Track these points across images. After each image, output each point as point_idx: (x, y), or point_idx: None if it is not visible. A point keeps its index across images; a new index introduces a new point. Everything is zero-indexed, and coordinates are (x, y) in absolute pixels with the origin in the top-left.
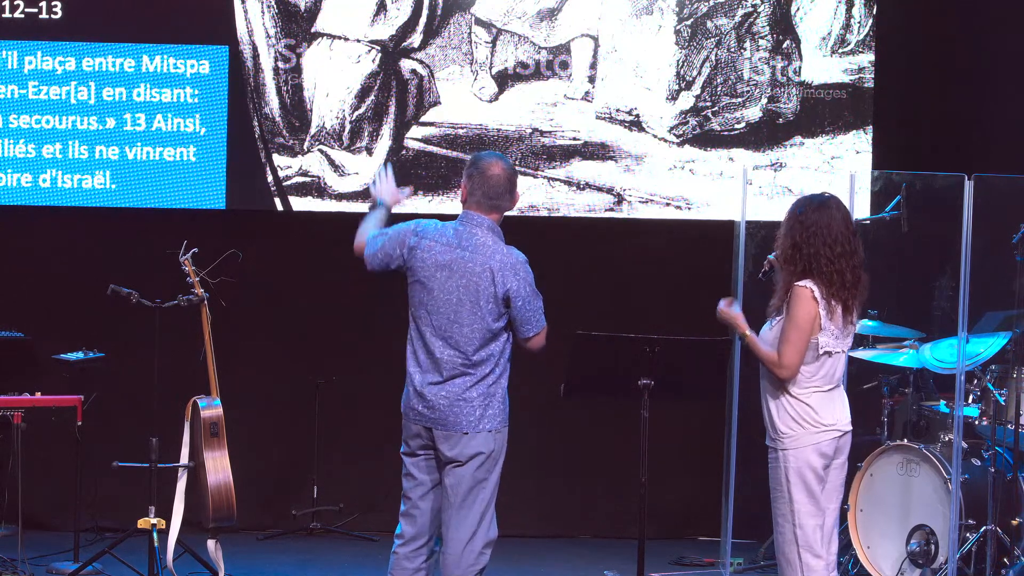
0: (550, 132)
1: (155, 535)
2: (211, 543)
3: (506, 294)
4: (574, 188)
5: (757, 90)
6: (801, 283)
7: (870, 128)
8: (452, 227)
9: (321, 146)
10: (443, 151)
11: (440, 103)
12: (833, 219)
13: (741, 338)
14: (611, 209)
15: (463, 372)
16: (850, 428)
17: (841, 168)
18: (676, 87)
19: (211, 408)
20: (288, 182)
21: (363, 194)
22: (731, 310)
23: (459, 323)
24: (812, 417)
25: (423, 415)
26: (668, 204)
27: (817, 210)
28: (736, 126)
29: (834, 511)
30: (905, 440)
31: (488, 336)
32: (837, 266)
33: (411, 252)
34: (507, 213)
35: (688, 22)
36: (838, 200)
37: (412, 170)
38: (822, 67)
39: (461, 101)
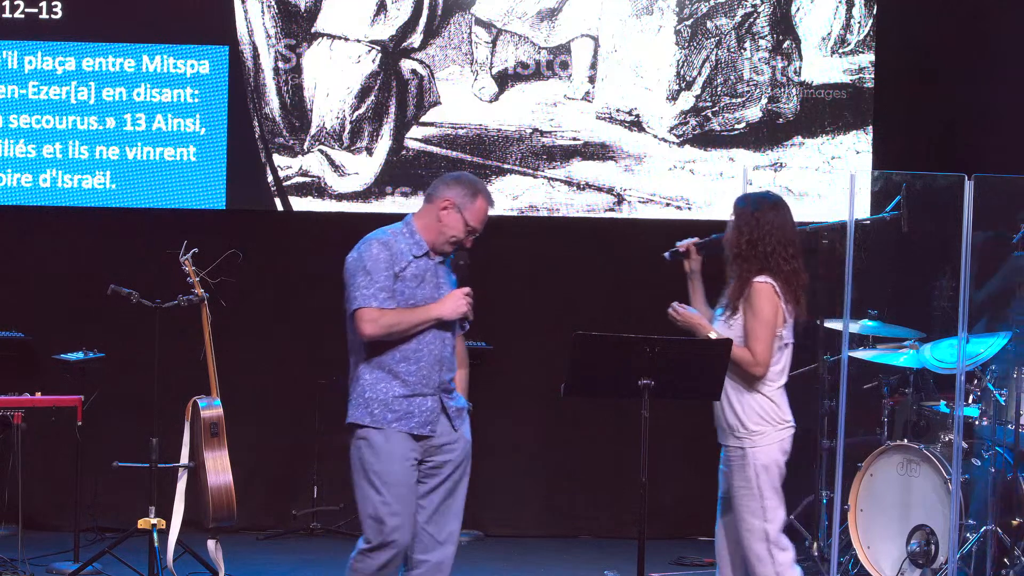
0: (550, 132)
1: (155, 535)
2: (211, 543)
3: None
4: (574, 188)
5: (757, 90)
6: (760, 279)
7: (870, 128)
8: None
9: (321, 146)
10: (443, 151)
11: (440, 103)
12: (787, 220)
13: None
14: (611, 209)
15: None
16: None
17: (841, 168)
18: (676, 87)
19: (211, 408)
20: (288, 182)
21: (363, 194)
22: (687, 311)
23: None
24: (777, 414)
25: None
26: (668, 204)
27: (772, 209)
28: (736, 126)
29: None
30: (905, 440)
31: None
32: (792, 265)
33: None
34: (507, 213)
35: (688, 22)
36: (785, 200)
37: (412, 170)
38: (822, 67)
39: (461, 101)
